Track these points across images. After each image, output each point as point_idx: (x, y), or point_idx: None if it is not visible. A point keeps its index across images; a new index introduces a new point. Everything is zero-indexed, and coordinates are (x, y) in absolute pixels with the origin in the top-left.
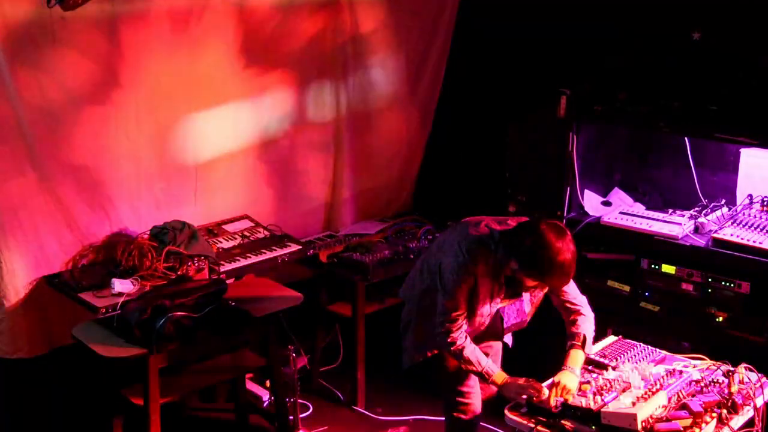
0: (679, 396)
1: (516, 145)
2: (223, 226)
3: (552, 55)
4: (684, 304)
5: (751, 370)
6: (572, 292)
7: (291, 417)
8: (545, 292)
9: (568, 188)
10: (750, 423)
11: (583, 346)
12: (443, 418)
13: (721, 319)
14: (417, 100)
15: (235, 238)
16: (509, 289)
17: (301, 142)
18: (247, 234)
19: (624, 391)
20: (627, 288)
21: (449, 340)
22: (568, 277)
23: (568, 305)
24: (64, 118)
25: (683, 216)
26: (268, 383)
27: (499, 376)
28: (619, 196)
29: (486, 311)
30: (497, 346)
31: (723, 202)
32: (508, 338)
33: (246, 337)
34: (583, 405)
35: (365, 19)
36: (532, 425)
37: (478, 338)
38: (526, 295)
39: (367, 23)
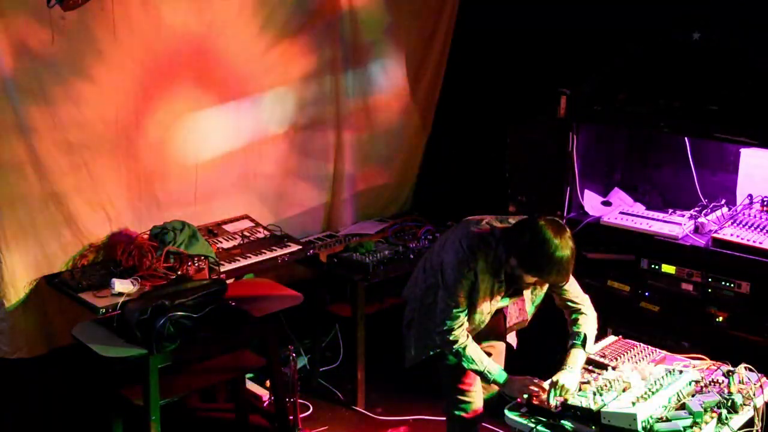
0: (679, 396)
1: (516, 145)
2: (223, 226)
3: (552, 55)
4: (684, 304)
5: (751, 370)
6: (574, 291)
7: (291, 417)
8: (546, 290)
9: (568, 188)
10: (750, 423)
11: (584, 346)
12: (443, 418)
13: (721, 319)
14: (417, 100)
15: (235, 238)
16: (510, 287)
17: (301, 142)
18: (247, 234)
19: (624, 391)
20: (627, 288)
21: (451, 338)
22: (567, 274)
23: (570, 304)
24: (64, 118)
25: (683, 216)
26: (268, 383)
27: (501, 374)
28: (619, 196)
29: (486, 309)
30: (500, 346)
31: (723, 202)
32: (512, 339)
33: (246, 337)
34: (583, 405)
35: (365, 20)
36: (532, 425)
37: (481, 338)
38: (527, 294)
39: (367, 23)
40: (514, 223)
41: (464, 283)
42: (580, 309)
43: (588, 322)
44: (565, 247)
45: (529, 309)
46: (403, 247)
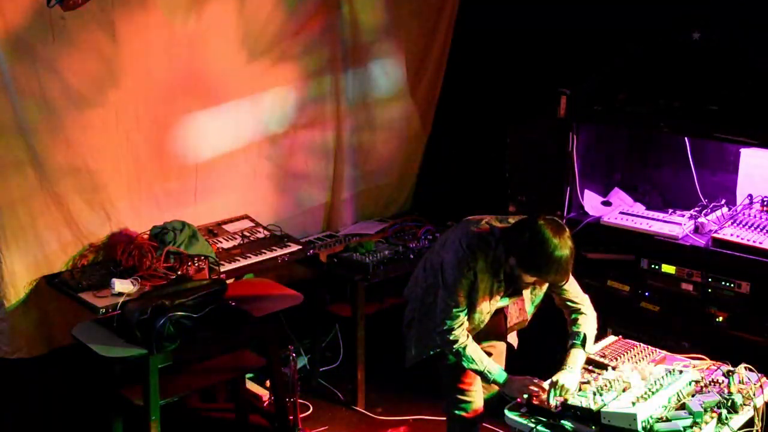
0: (679, 396)
1: (516, 145)
2: (223, 226)
3: (552, 55)
4: (684, 304)
5: (751, 370)
6: (573, 290)
7: (291, 417)
8: (545, 290)
9: (568, 188)
10: (750, 423)
11: (583, 346)
12: (443, 418)
13: (721, 319)
14: (417, 100)
15: (235, 238)
16: (509, 287)
17: (301, 142)
18: (247, 234)
19: (624, 391)
20: (627, 288)
21: (451, 338)
22: (566, 273)
23: (569, 304)
24: (65, 118)
25: (683, 216)
26: (268, 383)
27: (501, 374)
28: (619, 196)
29: (485, 308)
30: (501, 346)
31: (723, 202)
32: (513, 339)
33: (246, 337)
34: (583, 405)
35: (365, 19)
36: (532, 425)
37: (482, 338)
38: (526, 294)
39: (367, 23)
40: (513, 222)
41: (464, 283)
42: (579, 309)
43: (588, 321)
44: (564, 246)
45: (529, 309)
46: (403, 247)
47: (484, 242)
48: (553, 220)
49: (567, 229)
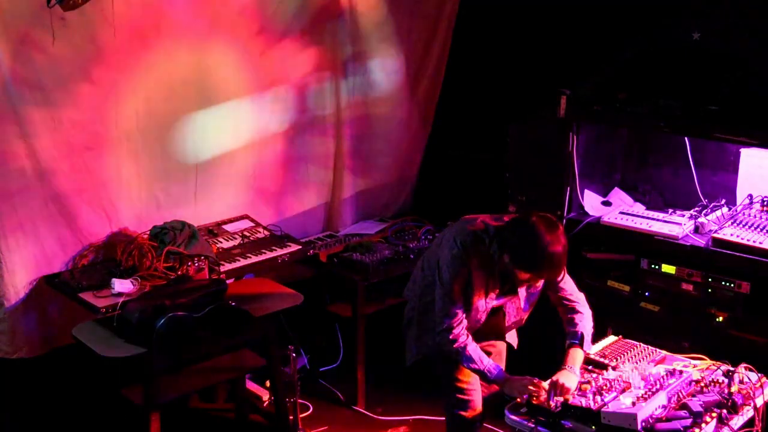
0: (679, 396)
1: (516, 145)
2: (223, 226)
3: (552, 55)
4: (684, 304)
5: (751, 370)
6: (569, 288)
7: (291, 417)
8: (541, 289)
9: (568, 188)
10: (750, 423)
11: (581, 345)
12: (443, 418)
13: (721, 319)
14: (417, 100)
15: (235, 238)
16: (504, 285)
17: (301, 142)
18: (247, 234)
19: (624, 391)
20: (627, 288)
21: (451, 337)
22: (559, 270)
23: (565, 302)
24: (65, 118)
25: (683, 216)
26: (268, 383)
27: (500, 374)
28: (619, 196)
29: (482, 307)
30: (500, 345)
31: (723, 202)
32: (513, 339)
33: (246, 337)
34: (583, 405)
35: (365, 20)
36: (532, 425)
37: (481, 337)
38: (522, 293)
39: (367, 23)
40: (507, 220)
41: (459, 279)
42: (575, 307)
43: (584, 320)
44: (556, 243)
45: (525, 307)
46: (403, 247)
47: (478, 240)
48: (545, 217)
49: (560, 226)
